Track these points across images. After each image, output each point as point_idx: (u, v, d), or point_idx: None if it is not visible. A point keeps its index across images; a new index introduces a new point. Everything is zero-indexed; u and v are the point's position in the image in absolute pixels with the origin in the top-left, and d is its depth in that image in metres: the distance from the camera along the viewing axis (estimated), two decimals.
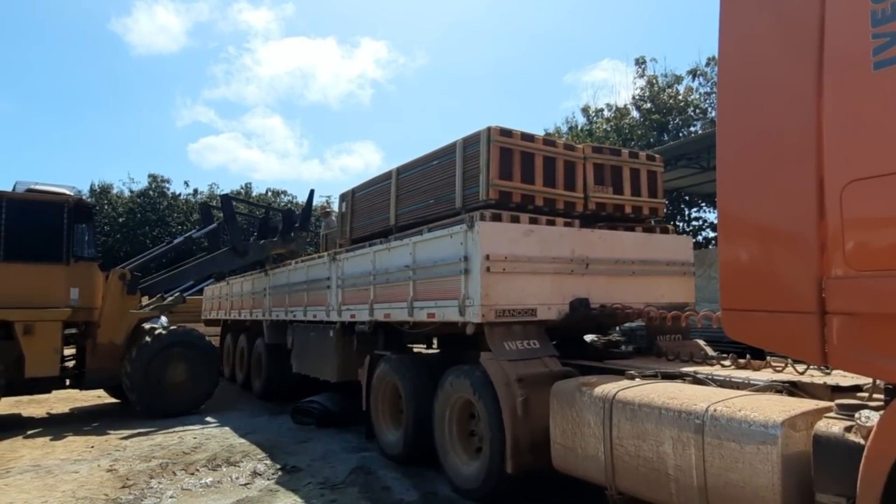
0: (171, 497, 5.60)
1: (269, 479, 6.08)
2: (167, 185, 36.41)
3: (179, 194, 37.12)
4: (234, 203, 13.01)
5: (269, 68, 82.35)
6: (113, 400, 11.17)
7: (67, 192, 9.68)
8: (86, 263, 9.57)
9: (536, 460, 4.77)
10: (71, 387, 9.79)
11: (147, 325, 10.25)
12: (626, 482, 3.93)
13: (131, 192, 36.13)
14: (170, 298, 11.03)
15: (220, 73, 77.13)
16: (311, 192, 13.10)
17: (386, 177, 7.54)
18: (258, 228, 13.23)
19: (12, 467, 6.65)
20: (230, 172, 70.00)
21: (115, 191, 36.06)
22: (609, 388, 4.20)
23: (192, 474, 6.31)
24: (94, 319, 9.60)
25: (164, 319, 14.36)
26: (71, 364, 9.88)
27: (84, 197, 11.23)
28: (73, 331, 9.73)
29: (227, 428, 8.65)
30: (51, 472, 6.43)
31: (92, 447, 7.56)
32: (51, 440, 8.01)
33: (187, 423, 9.08)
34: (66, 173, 61.97)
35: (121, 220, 33.84)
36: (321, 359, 8.49)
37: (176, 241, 13.67)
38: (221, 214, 12.26)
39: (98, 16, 72.81)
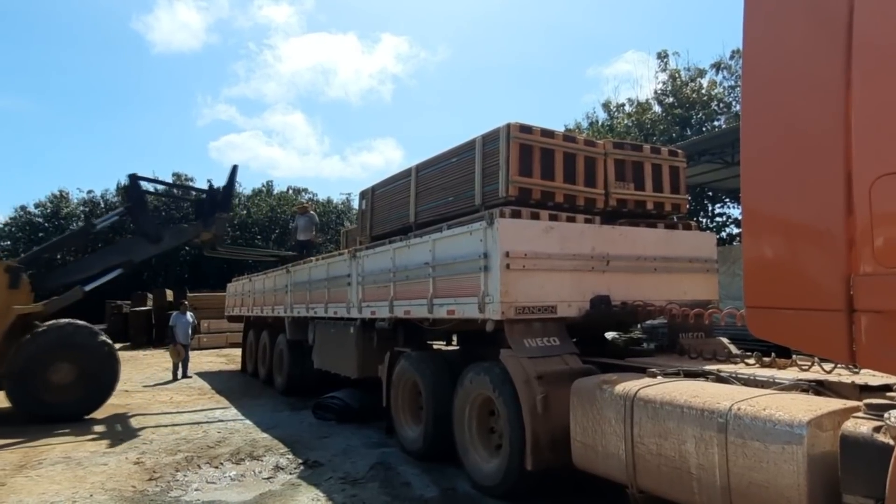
0: (196, 490, 5.71)
1: (291, 474, 6.17)
2: (191, 184, 37.03)
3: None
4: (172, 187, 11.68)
5: (289, 65, 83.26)
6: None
7: None
8: None
9: (556, 458, 4.76)
10: None
11: (40, 324, 9.30)
12: (648, 480, 3.90)
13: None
14: (69, 292, 9.92)
15: (240, 71, 78.31)
16: (234, 169, 11.54)
17: (405, 174, 7.56)
18: (195, 212, 12.04)
19: (44, 459, 6.84)
20: (251, 170, 71.25)
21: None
22: (630, 385, 4.17)
23: (217, 468, 6.42)
24: None
25: (189, 315, 14.64)
26: None
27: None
28: None
29: (249, 422, 8.78)
30: (80, 464, 6.60)
31: (120, 440, 7.75)
32: (79, 433, 8.23)
33: (210, 416, 9.26)
34: (92, 172, 63.63)
35: None
36: (342, 355, 8.57)
37: (71, 232, 12.30)
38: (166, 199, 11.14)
39: (120, 14, 74.42)
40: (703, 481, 3.48)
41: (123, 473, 6.25)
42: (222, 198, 11.20)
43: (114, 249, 10.84)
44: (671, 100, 25.97)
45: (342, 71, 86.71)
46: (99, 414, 9.71)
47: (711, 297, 6.49)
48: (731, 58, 25.27)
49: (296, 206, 16.58)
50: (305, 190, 41.87)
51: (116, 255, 10.58)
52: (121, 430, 8.34)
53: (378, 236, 8.14)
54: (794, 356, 4.62)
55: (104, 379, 9.29)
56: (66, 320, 9.40)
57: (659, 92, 26.84)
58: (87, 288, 9.95)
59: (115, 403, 10.73)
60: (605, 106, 28.99)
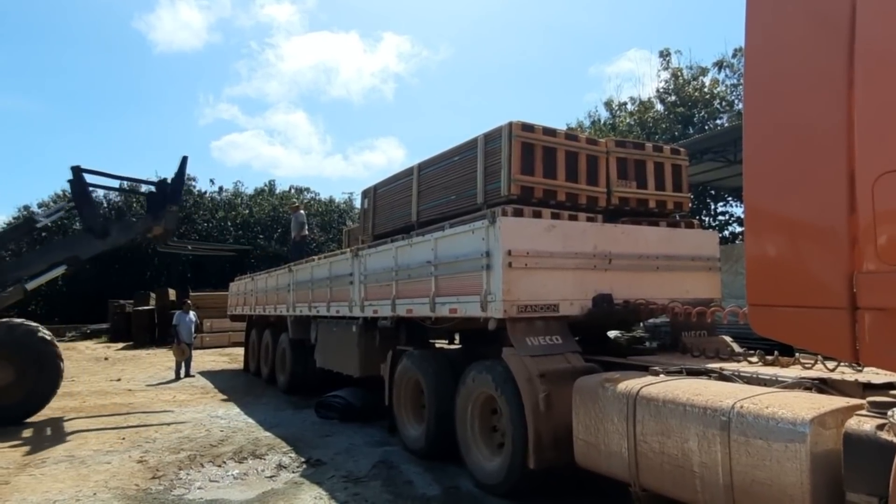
0: (199, 488, 5.73)
1: (293, 472, 6.18)
2: (193, 183, 37.09)
3: (205, 192, 37.85)
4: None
5: (291, 63, 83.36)
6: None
7: None
8: None
9: (559, 456, 4.76)
10: None
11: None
12: (650, 479, 3.90)
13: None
14: (9, 290, 9.45)
15: (242, 70, 78.38)
16: (184, 160, 10.78)
17: (407, 173, 7.56)
18: (146, 206, 11.54)
19: (47, 457, 6.86)
20: (253, 169, 71.17)
21: (143, 188, 36.93)
22: (633, 384, 4.17)
23: (220, 466, 6.44)
24: None
25: (192, 314, 14.67)
26: None
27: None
28: None
29: (252, 421, 8.80)
30: (84, 463, 6.62)
31: (123, 439, 7.77)
32: (83, 432, 8.25)
33: (213, 415, 9.27)
34: None
35: None
36: (344, 354, 8.57)
37: (11, 226, 11.74)
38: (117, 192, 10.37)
39: (121, 14, 74.64)
40: (705, 479, 3.48)
41: (127, 472, 6.27)
42: (172, 190, 10.60)
43: (57, 245, 10.34)
44: (673, 98, 25.96)
45: (344, 70, 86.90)
46: (101, 413, 9.75)
47: (714, 295, 6.48)
48: (734, 56, 25.28)
49: (290, 206, 16.37)
50: (307, 189, 41.93)
51: (60, 251, 10.04)
52: (124, 429, 8.36)
53: (380, 235, 8.14)
54: (796, 354, 4.61)
55: (45, 379, 8.84)
56: (5, 319, 9.05)
57: (661, 90, 26.87)
58: (30, 286, 9.55)
59: (118, 402, 10.77)
60: (608, 104, 29.06)
